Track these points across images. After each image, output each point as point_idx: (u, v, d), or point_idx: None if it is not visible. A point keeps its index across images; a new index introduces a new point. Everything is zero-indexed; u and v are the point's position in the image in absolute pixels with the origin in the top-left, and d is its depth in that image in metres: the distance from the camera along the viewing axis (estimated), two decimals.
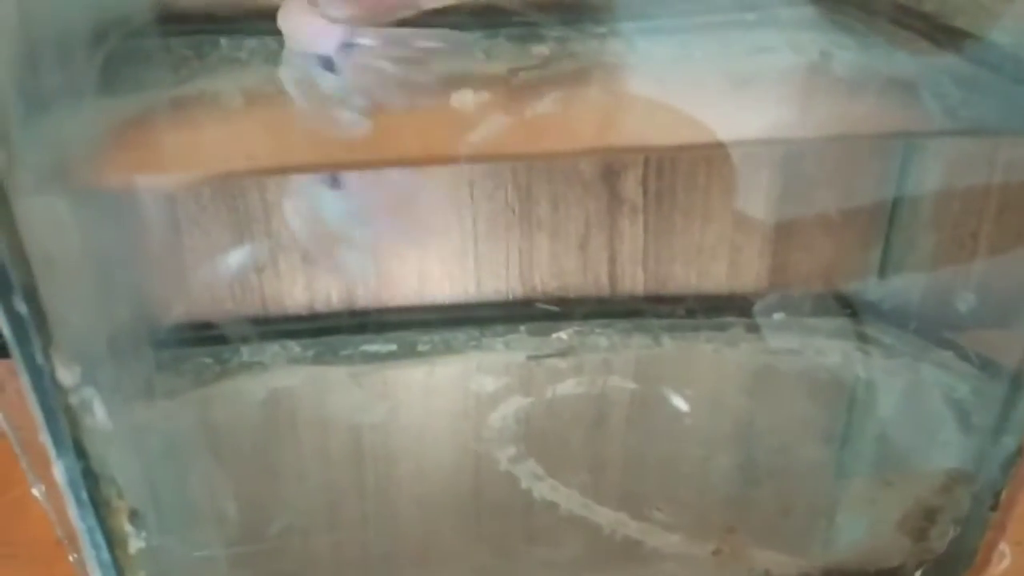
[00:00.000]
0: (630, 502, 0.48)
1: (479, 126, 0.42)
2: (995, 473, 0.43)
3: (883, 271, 0.59)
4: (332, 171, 0.51)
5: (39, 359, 0.31)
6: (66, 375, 0.31)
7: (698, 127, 0.42)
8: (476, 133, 0.42)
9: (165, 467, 0.46)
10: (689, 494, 0.49)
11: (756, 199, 0.59)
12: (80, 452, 0.33)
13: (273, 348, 0.57)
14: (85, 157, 0.38)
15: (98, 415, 0.33)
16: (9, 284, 0.30)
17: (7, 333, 0.32)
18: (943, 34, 0.43)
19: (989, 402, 0.49)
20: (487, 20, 0.41)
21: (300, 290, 0.59)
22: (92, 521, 0.35)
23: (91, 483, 0.34)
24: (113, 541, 0.36)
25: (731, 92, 0.43)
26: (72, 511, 0.35)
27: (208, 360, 0.57)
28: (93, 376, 0.33)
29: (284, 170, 0.52)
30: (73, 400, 0.32)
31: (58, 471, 0.34)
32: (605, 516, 0.48)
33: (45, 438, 0.33)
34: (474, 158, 0.39)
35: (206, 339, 0.57)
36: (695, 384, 0.55)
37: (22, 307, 0.31)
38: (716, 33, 0.43)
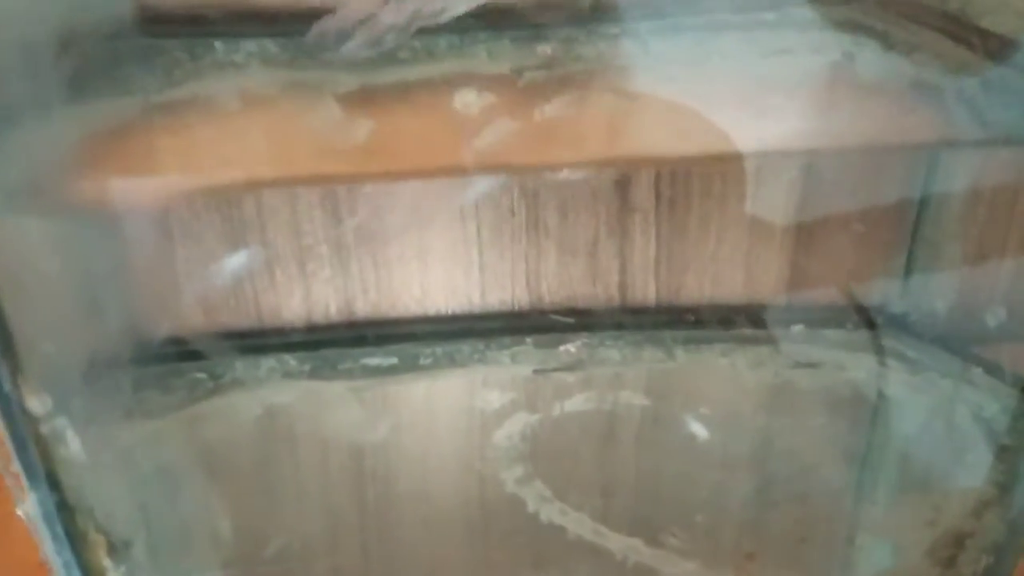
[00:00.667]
0: (643, 527, 0.45)
1: (484, 131, 0.40)
2: None
3: (907, 282, 0.56)
4: (333, 183, 0.49)
5: (7, 388, 0.29)
6: (36, 404, 0.29)
7: (715, 135, 0.40)
8: (481, 139, 0.40)
9: (151, 492, 0.44)
10: (705, 519, 0.46)
11: (773, 206, 0.56)
12: (54, 484, 0.31)
13: (268, 362, 0.55)
14: (61, 171, 0.36)
15: (72, 446, 0.31)
16: None
17: None
18: (968, 34, 0.41)
19: (1022, 421, 0.46)
20: (491, 21, 0.39)
21: (297, 301, 0.57)
22: (68, 555, 0.33)
23: (66, 516, 0.32)
24: (90, 574, 0.33)
25: (750, 96, 0.41)
26: (47, 545, 0.33)
27: (201, 375, 0.54)
28: (66, 405, 0.31)
29: (283, 182, 0.50)
30: (45, 430, 0.30)
31: (31, 504, 0.31)
32: (617, 542, 0.45)
33: (17, 469, 0.31)
34: (479, 169, 0.37)
35: (198, 354, 0.55)
36: (710, 400, 0.52)
37: None
38: (734, 33, 0.41)
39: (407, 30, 0.37)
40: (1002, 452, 0.45)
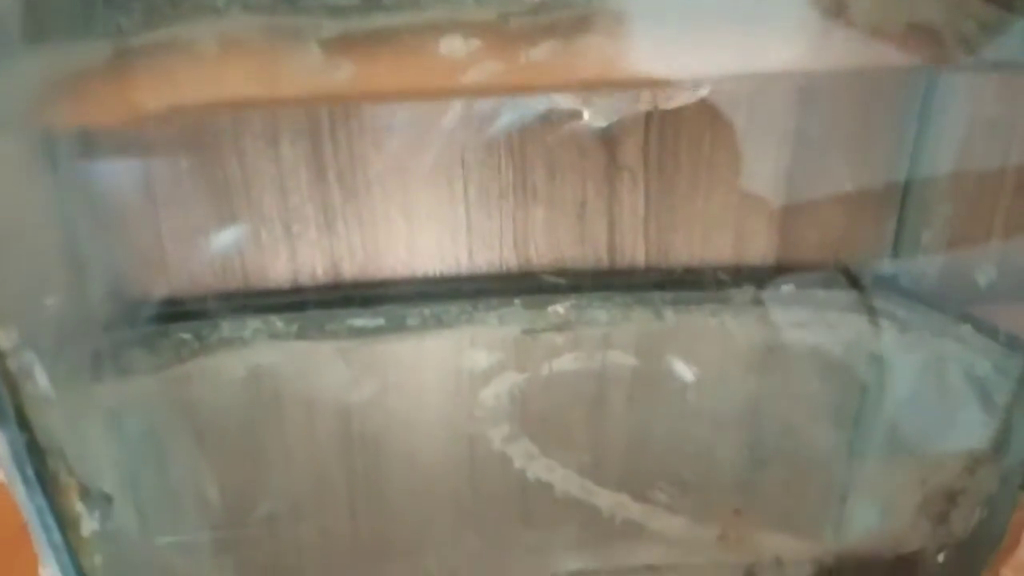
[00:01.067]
0: (631, 483, 0.44)
1: (470, 70, 0.39)
2: (1022, 451, 0.40)
3: (898, 243, 0.55)
4: (317, 105, 0.49)
5: None
6: (2, 337, 0.28)
7: (705, 62, 0.39)
8: (467, 76, 0.39)
9: (135, 449, 0.43)
10: (693, 475, 0.46)
11: (764, 166, 0.55)
12: (23, 423, 0.30)
13: (255, 323, 0.54)
14: (33, 109, 0.36)
15: (41, 383, 0.30)
16: None
17: None
18: None
19: (1013, 378, 0.46)
20: None
21: (283, 263, 0.56)
22: (40, 500, 0.32)
23: (37, 458, 0.31)
24: (64, 522, 0.33)
25: (742, 25, 0.40)
26: (19, 489, 0.32)
27: (187, 336, 0.54)
28: (36, 342, 0.30)
29: (271, 103, 0.50)
30: (11, 364, 0.29)
31: (1, 443, 0.31)
32: (604, 498, 0.45)
33: None
34: (460, 92, 0.37)
35: (185, 314, 0.54)
36: (699, 360, 0.51)
37: None
38: None
39: None
40: (993, 409, 0.44)
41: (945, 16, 0.40)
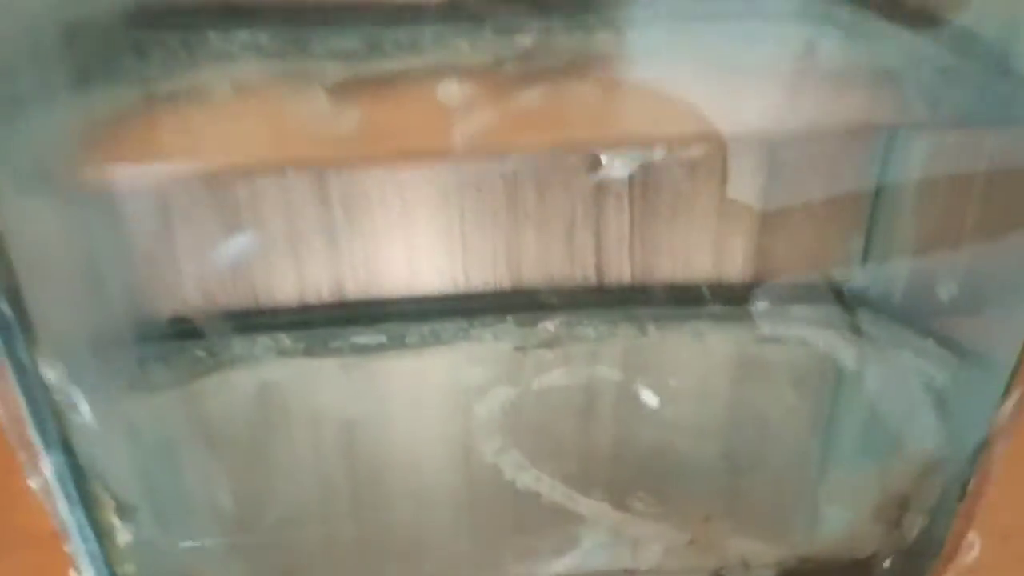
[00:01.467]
0: (612, 492, 0.48)
1: (466, 119, 0.42)
2: (964, 462, 0.43)
3: (866, 259, 0.59)
4: (322, 165, 0.51)
5: (24, 359, 0.32)
6: (51, 374, 0.32)
7: (686, 119, 0.42)
8: (464, 127, 0.42)
9: (155, 460, 0.47)
10: (670, 484, 0.49)
11: (741, 187, 0.59)
12: (67, 449, 0.34)
13: (264, 340, 0.58)
14: (67, 156, 0.39)
15: (83, 412, 0.33)
16: None
17: None
18: (926, 24, 0.43)
19: (964, 390, 0.49)
20: (472, 11, 0.41)
21: (290, 283, 0.60)
22: (80, 515, 0.36)
23: (79, 478, 0.35)
24: (101, 533, 0.36)
25: (719, 83, 0.43)
26: (61, 505, 0.36)
27: (200, 353, 0.57)
28: (78, 374, 0.33)
29: (276, 163, 0.52)
30: (59, 397, 0.33)
31: (46, 467, 0.34)
32: (587, 506, 0.48)
33: (34, 435, 0.34)
34: (465, 154, 0.40)
35: (199, 332, 0.58)
36: (680, 373, 0.55)
37: (6, 308, 0.31)
38: (704, 23, 0.43)
39: None
40: (947, 420, 0.48)
41: (906, 64, 0.43)
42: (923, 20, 0.44)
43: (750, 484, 0.49)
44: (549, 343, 0.57)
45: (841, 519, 0.48)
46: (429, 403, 0.56)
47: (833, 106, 0.44)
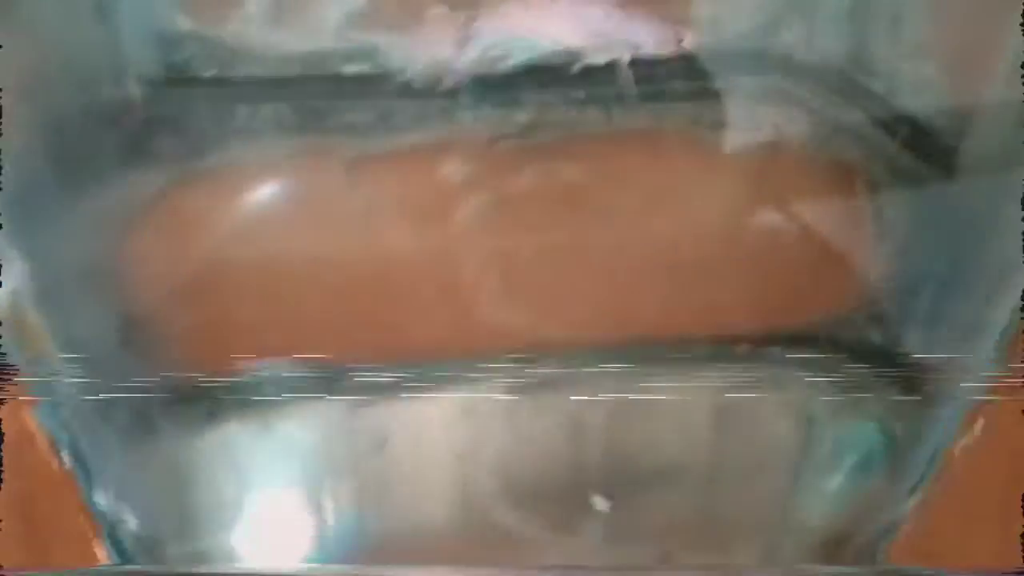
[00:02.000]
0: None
1: (465, 204, 0.43)
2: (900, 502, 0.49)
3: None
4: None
5: None
6: None
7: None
8: (461, 212, 0.44)
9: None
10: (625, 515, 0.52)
11: None
12: None
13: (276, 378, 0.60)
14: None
15: None
16: None
17: None
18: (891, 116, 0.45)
19: (916, 428, 0.54)
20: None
21: None
22: None
23: None
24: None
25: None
26: None
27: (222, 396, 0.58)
28: None
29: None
30: None
31: None
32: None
33: None
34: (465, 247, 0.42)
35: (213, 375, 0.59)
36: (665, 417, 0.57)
37: None
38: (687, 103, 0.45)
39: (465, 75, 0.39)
40: (893, 459, 0.52)
41: (863, 158, 0.46)
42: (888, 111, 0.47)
43: (704, 517, 0.51)
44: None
45: (798, 548, 0.52)
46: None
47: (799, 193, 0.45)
